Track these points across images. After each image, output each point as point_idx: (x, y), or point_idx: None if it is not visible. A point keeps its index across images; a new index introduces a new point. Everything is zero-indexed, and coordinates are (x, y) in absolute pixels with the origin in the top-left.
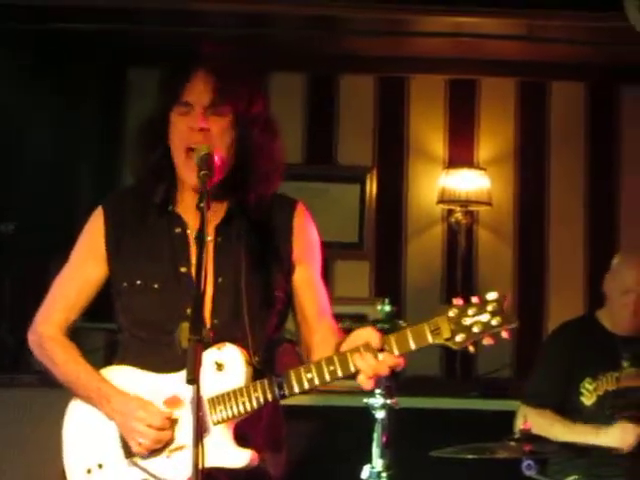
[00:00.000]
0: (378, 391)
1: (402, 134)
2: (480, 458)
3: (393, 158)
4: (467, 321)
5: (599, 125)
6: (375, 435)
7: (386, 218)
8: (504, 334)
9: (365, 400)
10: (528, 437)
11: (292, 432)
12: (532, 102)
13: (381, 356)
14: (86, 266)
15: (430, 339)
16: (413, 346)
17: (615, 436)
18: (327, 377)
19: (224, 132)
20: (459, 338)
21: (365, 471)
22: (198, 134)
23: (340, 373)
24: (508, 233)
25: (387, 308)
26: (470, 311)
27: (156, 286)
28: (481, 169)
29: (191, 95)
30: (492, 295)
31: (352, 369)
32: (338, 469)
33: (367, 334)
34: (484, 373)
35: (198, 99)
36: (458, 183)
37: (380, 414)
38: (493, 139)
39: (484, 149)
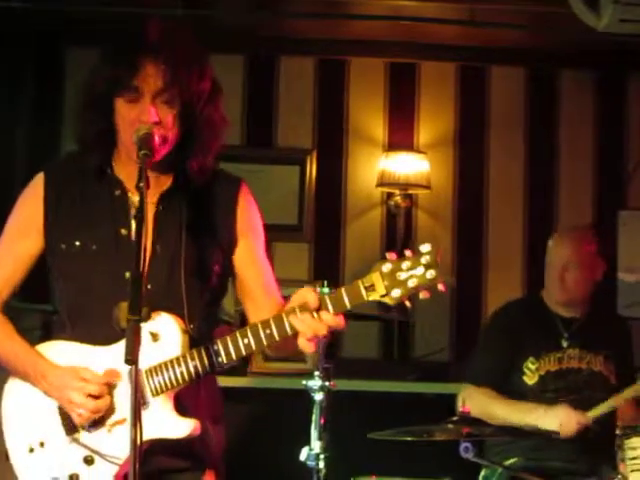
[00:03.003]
0: (316, 373)
1: (342, 117)
2: (418, 441)
3: (333, 141)
4: (402, 275)
5: (538, 109)
6: (313, 417)
7: (325, 201)
8: (440, 287)
9: (303, 382)
10: (466, 420)
11: (231, 414)
12: (472, 86)
13: (322, 315)
14: (22, 240)
15: (365, 296)
16: (349, 304)
17: (555, 421)
18: (264, 341)
19: (174, 122)
20: (395, 293)
21: (303, 453)
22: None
23: (277, 335)
24: (447, 217)
25: (326, 290)
26: (404, 265)
27: (94, 248)
28: (421, 153)
29: (141, 81)
30: (425, 247)
31: (288, 330)
32: (277, 451)
33: (303, 294)
34: (422, 356)
35: (148, 85)
36: (398, 166)
37: (318, 396)
38: (433, 123)
39: (424, 133)
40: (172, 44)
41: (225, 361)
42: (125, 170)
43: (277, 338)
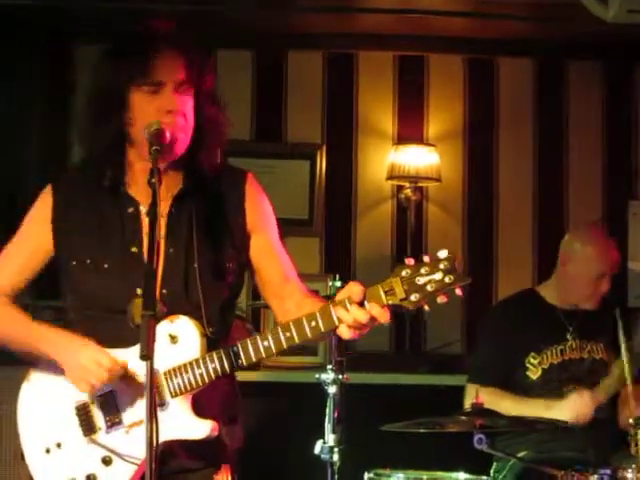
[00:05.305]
0: (330, 367)
1: (351, 111)
2: (431, 432)
3: (342, 135)
4: (420, 280)
5: (547, 101)
6: (327, 410)
7: (336, 194)
8: (457, 291)
9: (317, 376)
10: (479, 411)
11: (245, 408)
12: (480, 78)
13: (367, 306)
14: (34, 238)
15: (384, 300)
16: (368, 308)
17: (569, 409)
18: (309, 334)
19: (191, 113)
20: (414, 297)
21: (317, 446)
22: (169, 116)
23: (322, 327)
24: (457, 209)
25: (338, 284)
26: (423, 270)
27: (106, 266)
28: (430, 145)
29: (161, 73)
30: (443, 253)
31: (336, 321)
32: (290, 445)
33: (350, 287)
34: (433, 348)
35: (169, 77)
36: (407, 159)
37: (332, 389)
38: (442, 115)
39: (433, 125)
40: (185, 37)
41: (245, 363)
42: (138, 186)
43: (323, 330)
